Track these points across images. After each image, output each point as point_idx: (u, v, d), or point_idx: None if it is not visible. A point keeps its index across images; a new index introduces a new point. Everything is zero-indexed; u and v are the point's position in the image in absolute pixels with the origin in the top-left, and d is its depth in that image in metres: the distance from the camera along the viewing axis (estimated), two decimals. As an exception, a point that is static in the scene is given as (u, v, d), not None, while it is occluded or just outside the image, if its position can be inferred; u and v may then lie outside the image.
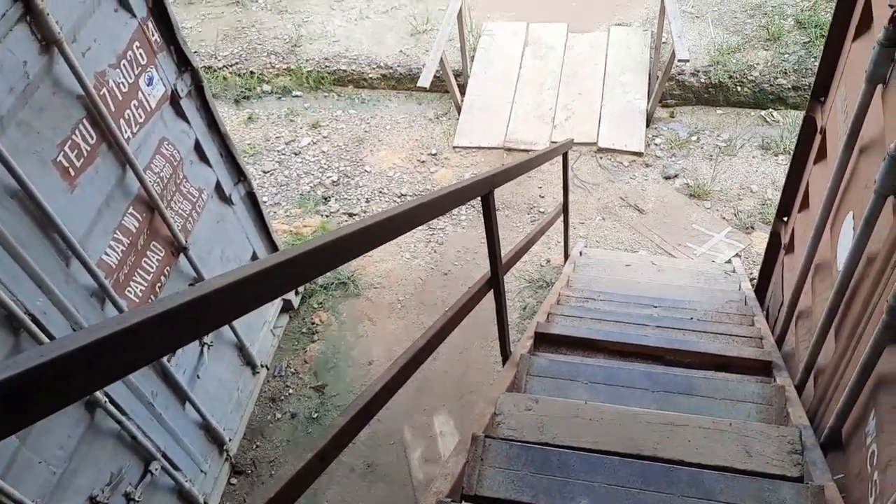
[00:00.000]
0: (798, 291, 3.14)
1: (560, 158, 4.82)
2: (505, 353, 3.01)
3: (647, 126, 6.92)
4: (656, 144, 6.77)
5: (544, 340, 3.31)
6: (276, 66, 8.22)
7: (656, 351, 3.20)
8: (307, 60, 8.12)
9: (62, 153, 3.10)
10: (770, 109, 7.07)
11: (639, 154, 6.62)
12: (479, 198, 2.31)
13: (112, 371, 0.72)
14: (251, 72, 8.18)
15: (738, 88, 7.14)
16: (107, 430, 3.53)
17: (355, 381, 5.22)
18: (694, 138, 6.81)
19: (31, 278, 2.96)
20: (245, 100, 7.94)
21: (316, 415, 5.04)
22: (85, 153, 3.23)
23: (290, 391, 5.22)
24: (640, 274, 4.95)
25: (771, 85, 7.06)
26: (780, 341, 3.46)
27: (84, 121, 3.20)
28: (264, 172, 6.93)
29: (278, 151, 7.20)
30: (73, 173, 3.17)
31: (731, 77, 7.14)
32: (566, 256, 5.42)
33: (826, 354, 2.63)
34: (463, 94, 7.35)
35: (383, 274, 5.86)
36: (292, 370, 5.32)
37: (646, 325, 3.56)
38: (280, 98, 7.95)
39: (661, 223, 6.03)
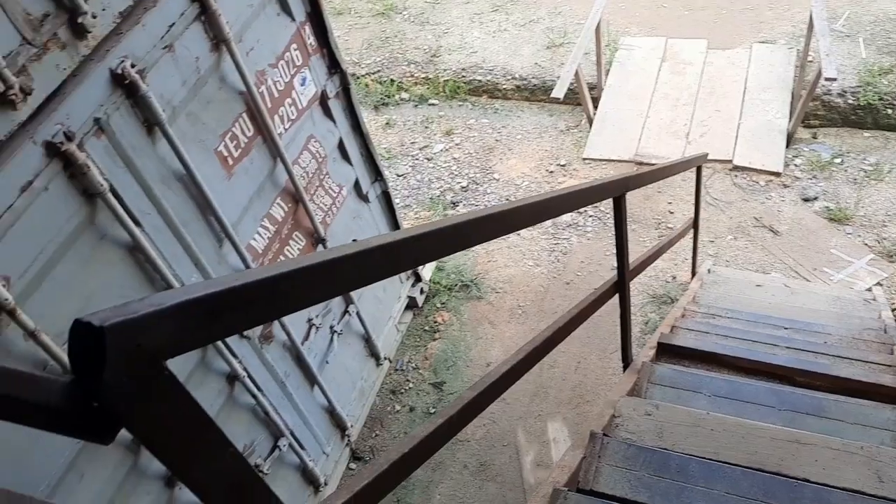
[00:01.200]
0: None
1: (693, 173, 4.75)
2: (626, 360, 3.02)
3: (787, 146, 6.67)
4: (796, 165, 6.52)
5: (666, 352, 3.28)
6: (415, 75, 8.50)
7: (785, 371, 3.11)
8: (444, 70, 8.35)
9: (223, 143, 3.38)
10: (926, 134, 6.66)
11: (776, 174, 6.39)
12: (611, 200, 2.35)
13: (287, 303, 0.83)
14: (391, 80, 8.50)
15: (889, 111, 6.76)
16: (243, 403, 3.79)
17: (472, 381, 5.28)
18: (837, 160, 6.51)
19: (189, 256, 3.25)
20: (384, 106, 8.25)
21: (433, 410, 5.18)
22: (242, 145, 3.50)
23: (410, 385, 5.39)
24: (772, 295, 4.79)
25: (927, 108, 6.64)
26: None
27: (244, 115, 3.47)
28: (398, 176, 7.18)
29: (412, 156, 7.44)
30: (230, 162, 3.45)
31: (881, 99, 6.77)
32: (693, 273, 5.32)
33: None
34: (596, 107, 7.34)
35: (506, 279, 5.95)
36: (413, 365, 5.49)
37: (775, 346, 3.47)
38: (417, 106, 8.20)
39: (797, 246, 5.80)
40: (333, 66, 4.16)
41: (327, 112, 4.23)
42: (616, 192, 2.29)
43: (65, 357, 2.56)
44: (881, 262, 5.55)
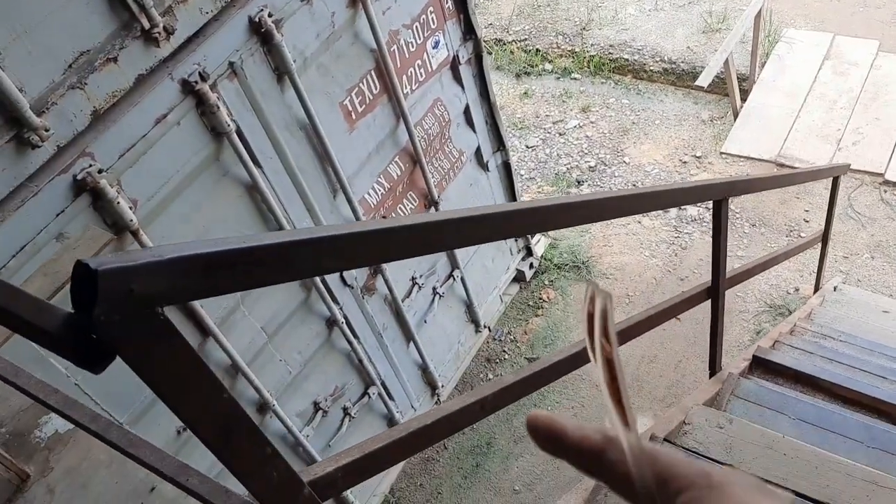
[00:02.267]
0: None
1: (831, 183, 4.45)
2: (713, 368, 2.93)
3: (952, 167, 6.11)
4: (956, 188, 5.97)
5: (761, 366, 3.15)
6: (562, 47, 8.37)
7: (887, 407, 2.91)
8: (592, 45, 8.17)
9: (349, 98, 3.50)
10: None
11: (934, 196, 5.89)
12: (713, 202, 2.27)
13: (284, 272, 0.87)
14: (537, 49, 8.41)
15: None
16: (339, 348, 3.97)
17: (568, 363, 5.30)
18: None
19: (303, 202, 3.41)
20: (525, 75, 8.19)
21: (524, 385, 5.21)
22: (368, 101, 3.61)
23: (506, 356, 5.44)
24: (897, 324, 4.46)
25: None
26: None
27: (372, 72, 3.58)
28: (527, 147, 7.15)
29: (545, 129, 7.38)
30: (354, 117, 3.57)
31: None
32: (816, 288, 5.03)
33: None
34: (744, 99, 6.98)
35: (619, 266, 5.84)
36: (512, 337, 5.53)
37: (883, 378, 3.24)
38: (559, 78, 8.09)
39: (943, 276, 5.35)
40: (468, 31, 4.18)
41: (457, 77, 4.27)
42: (719, 195, 2.21)
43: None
44: None
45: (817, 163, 6.22)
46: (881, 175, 6.04)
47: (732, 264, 5.68)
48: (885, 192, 5.98)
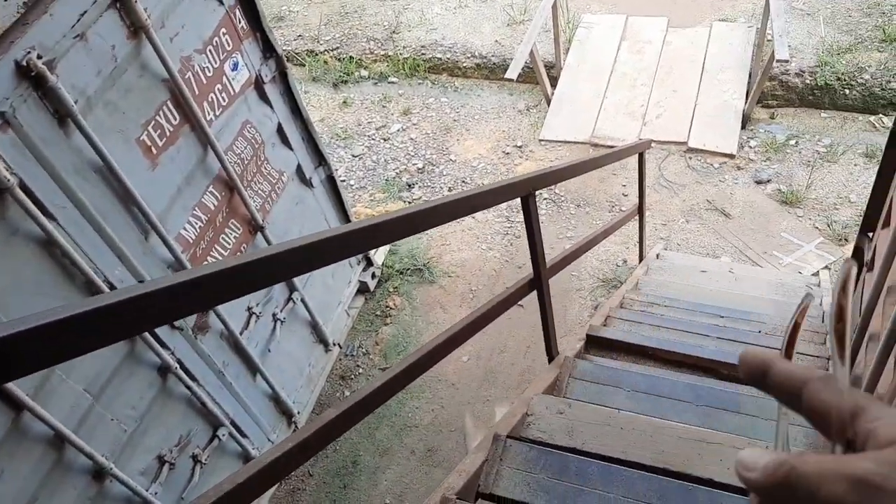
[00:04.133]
0: (869, 313, 2.99)
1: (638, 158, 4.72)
2: (550, 354, 3.01)
3: (743, 127, 6.66)
4: (751, 147, 6.51)
5: (595, 344, 3.28)
6: (375, 52, 8.38)
7: (710, 364, 3.11)
8: (405, 47, 8.23)
9: (146, 132, 3.29)
10: (880, 115, 6.67)
11: (730, 156, 6.39)
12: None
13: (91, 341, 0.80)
14: (350, 56, 8.37)
15: (847, 91, 6.76)
16: (178, 394, 3.74)
17: (422, 367, 5.30)
18: (792, 142, 6.51)
19: (112, 249, 3.18)
20: (343, 84, 8.13)
21: (381, 396, 5.16)
22: (168, 133, 3.42)
23: (360, 370, 5.37)
24: (715, 282, 4.79)
25: (883, 89, 6.64)
26: (852, 364, 3.31)
27: (168, 102, 3.39)
28: (353, 156, 7.10)
29: (369, 136, 7.36)
30: (154, 152, 3.36)
31: (839, 79, 6.77)
32: (641, 258, 5.32)
33: (884, 383, 2.51)
34: (554, 86, 7.28)
35: (458, 263, 5.92)
36: (364, 350, 5.47)
37: (706, 336, 3.47)
38: (376, 84, 8.10)
39: (748, 229, 5.82)
40: (268, 49, 4.07)
41: (263, 97, 4.14)
42: (523, 191, 2.26)
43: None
44: (830, 246, 5.58)
45: (628, 138, 6.59)
46: (685, 143, 6.49)
47: (564, 245, 5.92)
48: (690, 158, 6.43)
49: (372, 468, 4.88)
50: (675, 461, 2.26)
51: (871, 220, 3.57)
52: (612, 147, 6.51)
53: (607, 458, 2.26)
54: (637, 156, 4.43)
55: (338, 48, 8.51)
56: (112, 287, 3.15)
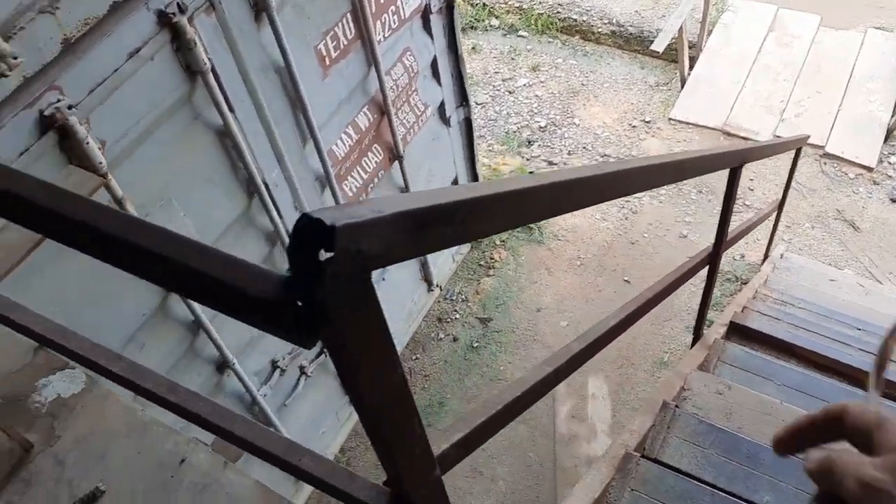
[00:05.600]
0: None
1: (785, 155, 4.53)
2: (698, 333, 2.93)
3: (885, 141, 6.34)
4: (890, 163, 6.21)
5: (737, 332, 3.19)
6: (509, 3, 8.22)
7: (858, 373, 3.00)
8: (540, 2, 8.06)
9: (324, 42, 3.29)
10: None
11: (868, 168, 6.10)
12: (728, 170, 2.23)
13: (489, 224, 0.79)
14: (484, 3, 8.24)
15: None
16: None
17: (520, 323, 5.29)
18: (936, 165, 6.18)
19: (273, 151, 3.21)
20: (472, 30, 8.02)
21: (476, 345, 5.18)
22: (342, 46, 3.41)
23: (457, 316, 5.37)
24: (845, 293, 4.61)
25: None
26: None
27: (348, 15, 3.37)
28: (477, 104, 7.02)
29: (494, 86, 7.26)
30: (328, 62, 3.37)
31: None
32: (766, 256, 5.16)
33: None
34: (691, 67, 7.04)
35: (570, 228, 5.84)
36: (463, 297, 5.47)
37: (847, 345, 3.34)
38: (505, 35, 7.96)
39: (876, 246, 5.58)
40: (441, -21, 4.01)
41: (427, 26, 4.10)
42: (735, 162, 2.17)
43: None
44: (962, 279, 5.31)
45: (761, 133, 6.35)
46: (822, 147, 6.21)
47: (680, 229, 5.78)
48: (825, 164, 6.17)
49: (457, 412, 4.91)
50: (837, 463, 2.18)
51: None
52: (745, 138, 6.30)
53: (769, 448, 2.20)
54: (792, 147, 4.24)
55: (472, -7, 8.38)
56: (267, 188, 3.19)
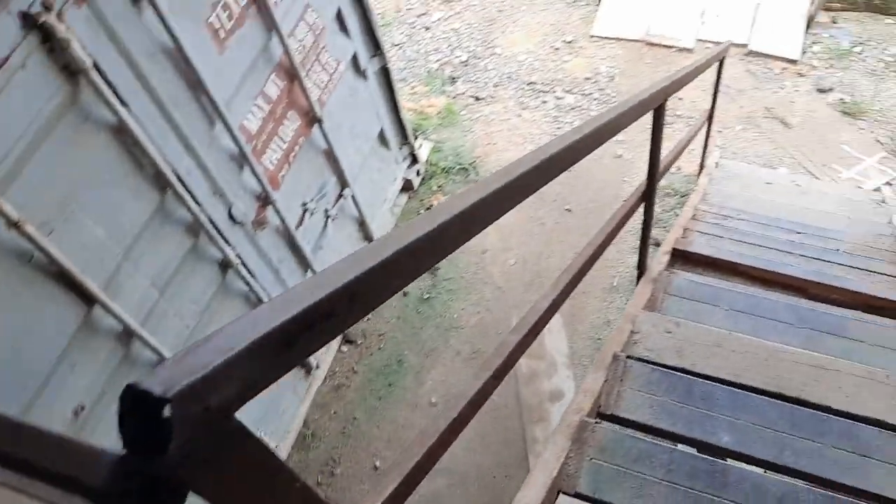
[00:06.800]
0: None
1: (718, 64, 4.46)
2: (641, 268, 2.90)
3: (806, 31, 6.33)
4: (813, 52, 6.21)
5: (681, 257, 3.17)
6: (413, -68, 7.89)
7: (801, 283, 3.01)
8: (445, -72, 7.74)
9: (215, 14, 3.07)
10: (951, 24, 6.34)
11: (793, 61, 6.09)
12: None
13: (367, 303, 0.69)
14: (386, -64, 7.89)
15: (917, -4, 6.40)
16: (236, 290, 3.67)
17: (468, 268, 5.23)
18: (857, 49, 6.20)
19: (179, 138, 3.02)
20: (378, -34, 7.70)
21: (427, 296, 5.11)
22: (235, 15, 3.19)
23: (403, 270, 5.28)
24: (782, 195, 4.64)
25: (957, -4, 6.28)
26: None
27: (237, -19, 3.14)
28: (393, 45, 6.78)
29: (409, 24, 7.01)
30: (222, 35, 3.15)
31: (911, -18, 6.38)
32: (701, 167, 5.15)
33: None
34: (607, -22, 6.88)
35: (505, 163, 5.73)
36: (407, 249, 5.37)
37: (788, 253, 3.36)
38: (414, -34, 7.66)
39: (807, 140, 5.61)
40: (333, -74, 3.77)
41: (325, -23, 3.87)
42: (657, 102, 2.09)
43: (51, 247, 2.40)
44: (893, 161, 5.39)
45: (683, 39, 6.28)
46: (745, 46, 6.18)
47: (614, 150, 5.74)
48: (750, 62, 6.14)
49: (417, 368, 4.87)
50: (790, 386, 2.19)
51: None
52: (668, 46, 6.22)
53: (719, 380, 2.19)
54: (714, 62, 4.17)
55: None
56: (180, 179, 3.01)
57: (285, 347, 0.54)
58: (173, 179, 2.95)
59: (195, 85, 3.02)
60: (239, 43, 3.24)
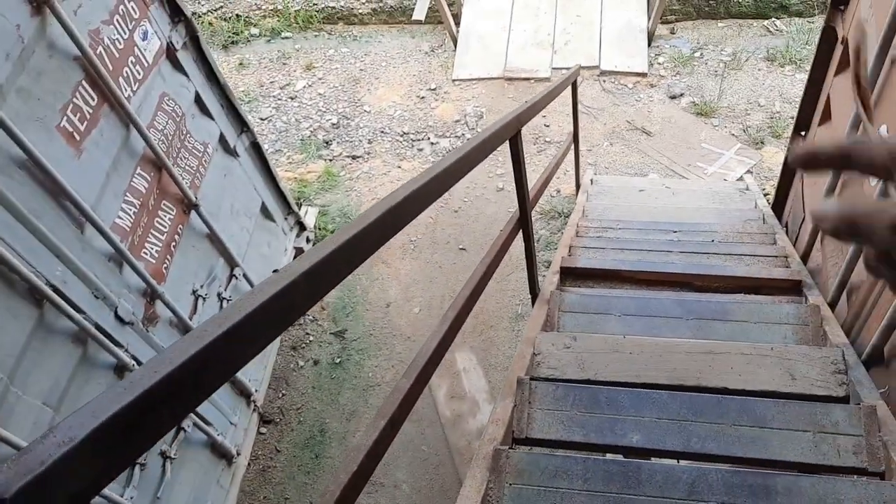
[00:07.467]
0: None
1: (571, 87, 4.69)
2: (534, 292, 2.98)
3: (649, 45, 6.75)
4: (659, 63, 6.62)
5: (570, 274, 3.27)
6: (262, 7, 7.98)
7: (684, 278, 3.17)
8: (294, -1, 7.88)
9: (65, 118, 3.01)
10: (773, 18, 6.89)
11: (642, 75, 6.47)
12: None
13: (214, 380, 0.69)
14: (237, 15, 7.95)
15: (740, -1, 6.95)
16: (137, 392, 3.54)
17: (374, 324, 5.22)
18: (697, 54, 6.65)
19: (48, 248, 2.91)
20: (233, 45, 7.73)
21: (339, 360, 5.06)
22: (88, 116, 3.14)
23: (311, 338, 5.23)
24: (655, 199, 4.89)
25: (772, -7, 6.85)
26: (804, 258, 3.44)
27: (83, 82, 3.09)
28: (262, 119, 6.79)
29: (274, 97, 7.05)
30: (77, 138, 3.08)
31: (732, -13, 6.93)
32: (577, 186, 5.36)
33: (860, 271, 2.60)
34: (458, 24, 7.14)
35: (393, 215, 5.79)
36: (310, 318, 5.32)
37: (669, 252, 3.53)
38: (270, 41, 7.74)
39: (670, 144, 5.95)
40: (175, 13, 3.78)
41: (177, 66, 3.86)
42: (512, 132, 2.18)
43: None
44: (748, 150, 5.77)
45: (539, 69, 6.57)
46: (597, 67, 6.52)
47: (495, 183, 5.89)
48: (604, 81, 6.47)
49: (341, 433, 4.80)
50: (688, 376, 2.29)
51: (805, 118, 3.68)
52: (526, 79, 6.49)
53: (622, 384, 2.27)
54: (566, 85, 4.39)
55: (221, 7, 8.05)
56: (56, 290, 2.90)
57: (131, 432, 0.54)
58: (48, 291, 2.84)
59: (57, 192, 2.93)
60: (96, 143, 3.18)
